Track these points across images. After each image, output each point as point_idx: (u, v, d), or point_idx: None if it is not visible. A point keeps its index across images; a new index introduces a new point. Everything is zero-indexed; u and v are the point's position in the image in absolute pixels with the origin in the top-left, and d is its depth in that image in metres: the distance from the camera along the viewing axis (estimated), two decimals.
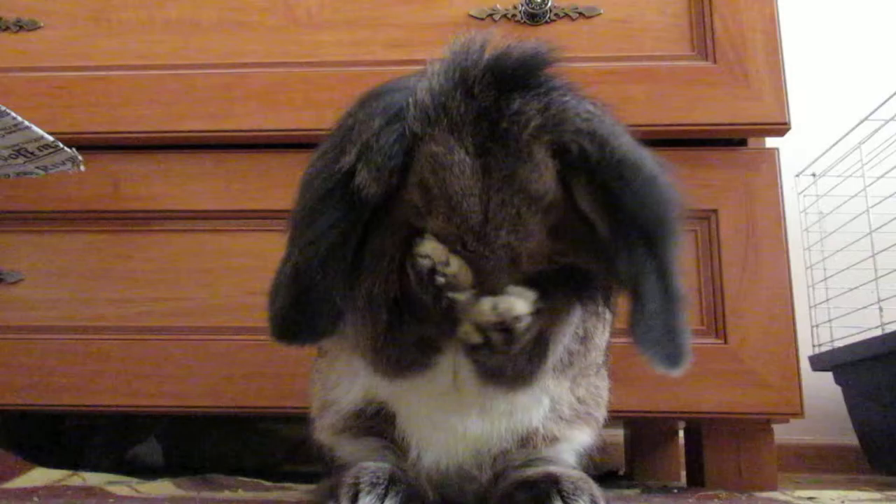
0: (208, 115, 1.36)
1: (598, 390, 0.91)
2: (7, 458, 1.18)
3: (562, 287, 0.71)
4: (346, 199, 0.66)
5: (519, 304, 0.65)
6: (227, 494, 1.04)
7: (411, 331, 0.74)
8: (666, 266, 0.67)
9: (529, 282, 0.67)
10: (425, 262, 0.64)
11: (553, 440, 0.85)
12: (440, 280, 0.64)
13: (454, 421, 0.81)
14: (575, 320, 0.79)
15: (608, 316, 0.91)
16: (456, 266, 0.64)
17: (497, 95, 0.64)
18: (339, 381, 0.88)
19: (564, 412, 0.85)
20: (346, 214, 0.66)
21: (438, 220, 0.64)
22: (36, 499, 0.85)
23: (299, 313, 0.69)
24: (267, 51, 1.38)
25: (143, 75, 1.38)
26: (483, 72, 0.64)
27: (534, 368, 0.75)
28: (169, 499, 0.93)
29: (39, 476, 1.13)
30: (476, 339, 0.67)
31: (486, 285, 0.64)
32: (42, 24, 1.42)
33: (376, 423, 0.86)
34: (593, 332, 0.86)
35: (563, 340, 0.78)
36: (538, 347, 0.74)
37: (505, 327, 0.65)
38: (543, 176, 0.63)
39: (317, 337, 0.70)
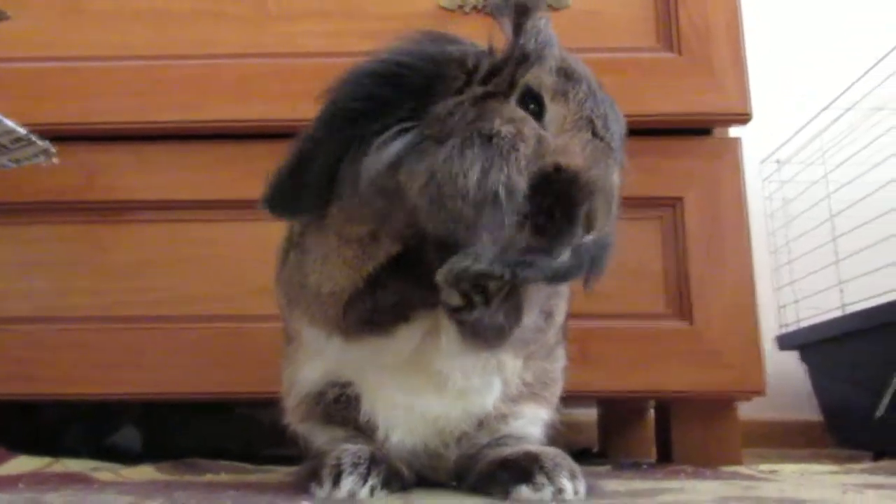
0: (181, 105, 1.36)
1: (547, 373, 0.94)
2: None
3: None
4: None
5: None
6: (209, 477, 1.06)
7: (394, 289, 0.75)
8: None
9: None
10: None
11: (503, 416, 0.87)
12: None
13: (412, 400, 0.83)
14: (545, 290, 0.82)
15: (566, 291, 0.95)
16: None
17: None
18: (305, 361, 0.89)
19: (512, 392, 0.88)
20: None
21: None
22: (21, 485, 0.86)
23: (297, 178, 0.74)
24: (240, 41, 1.39)
25: (115, 66, 1.38)
26: None
27: (511, 324, 0.77)
28: (152, 483, 0.95)
29: (22, 464, 1.14)
30: (457, 301, 0.71)
31: None
32: (12, 16, 1.41)
33: (339, 410, 0.87)
34: (555, 309, 0.89)
35: (537, 304, 0.81)
36: (513, 307, 0.75)
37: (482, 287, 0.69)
38: None
39: (304, 208, 0.75)
